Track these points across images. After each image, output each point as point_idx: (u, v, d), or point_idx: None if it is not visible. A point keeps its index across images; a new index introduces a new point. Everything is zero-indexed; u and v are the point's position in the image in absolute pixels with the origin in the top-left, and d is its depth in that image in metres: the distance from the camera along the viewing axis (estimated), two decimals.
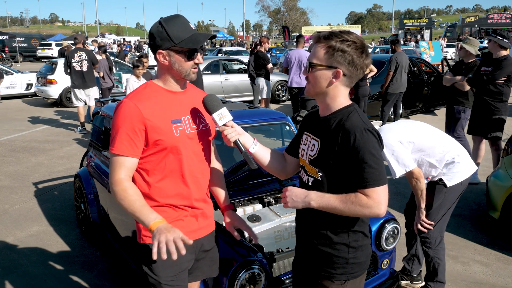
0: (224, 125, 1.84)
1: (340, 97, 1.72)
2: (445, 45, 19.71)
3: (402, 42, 25.51)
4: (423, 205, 2.92)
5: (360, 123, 1.65)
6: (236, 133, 1.85)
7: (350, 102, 1.74)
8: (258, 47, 9.23)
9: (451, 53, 28.62)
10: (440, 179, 2.94)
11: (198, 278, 2.07)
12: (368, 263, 1.85)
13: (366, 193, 1.61)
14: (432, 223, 2.97)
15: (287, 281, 2.49)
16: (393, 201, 4.79)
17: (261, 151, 1.93)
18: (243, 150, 1.86)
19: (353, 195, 1.63)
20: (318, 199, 1.68)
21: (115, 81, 9.26)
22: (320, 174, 1.72)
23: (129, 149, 1.74)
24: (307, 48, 12.10)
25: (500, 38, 5.12)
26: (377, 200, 1.60)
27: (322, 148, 1.71)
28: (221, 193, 2.13)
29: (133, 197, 1.72)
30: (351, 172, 1.63)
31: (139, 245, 1.91)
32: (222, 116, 1.83)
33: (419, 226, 2.99)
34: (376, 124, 3.01)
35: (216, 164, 2.13)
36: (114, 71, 9.18)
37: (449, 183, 2.92)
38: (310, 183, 1.78)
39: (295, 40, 9.71)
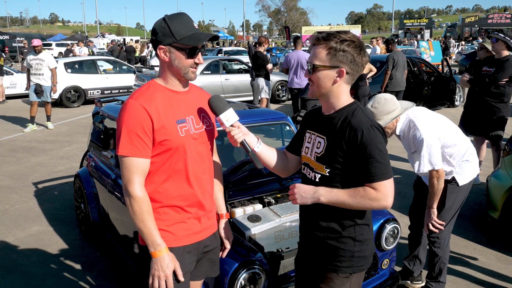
0: (231, 125, 1.84)
1: (343, 95, 1.78)
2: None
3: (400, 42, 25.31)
4: (435, 205, 2.86)
5: (366, 120, 1.71)
6: (243, 134, 1.86)
7: (352, 100, 1.80)
8: (258, 46, 9.22)
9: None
10: (453, 178, 2.91)
11: (198, 278, 2.06)
12: (371, 258, 1.89)
13: (374, 186, 1.68)
14: (443, 223, 2.92)
15: (287, 281, 2.49)
16: (393, 201, 4.77)
17: (265, 150, 1.96)
18: (250, 150, 1.87)
19: (361, 189, 1.68)
20: (327, 194, 1.72)
21: None
22: (328, 170, 1.76)
23: (140, 150, 1.72)
24: (306, 49, 12.08)
25: (508, 38, 5.06)
26: (384, 193, 1.68)
27: (329, 145, 1.76)
28: (217, 200, 2.09)
29: (146, 216, 1.74)
30: (359, 167, 1.69)
31: (141, 246, 1.90)
32: (229, 117, 1.83)
33: (431, 227, 2.91)
34: (410, 104, 2.84)
35: (216, 165, 2.11)
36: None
37: (461, 182, 2.90)
38: (317, 180, 1.81)
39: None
